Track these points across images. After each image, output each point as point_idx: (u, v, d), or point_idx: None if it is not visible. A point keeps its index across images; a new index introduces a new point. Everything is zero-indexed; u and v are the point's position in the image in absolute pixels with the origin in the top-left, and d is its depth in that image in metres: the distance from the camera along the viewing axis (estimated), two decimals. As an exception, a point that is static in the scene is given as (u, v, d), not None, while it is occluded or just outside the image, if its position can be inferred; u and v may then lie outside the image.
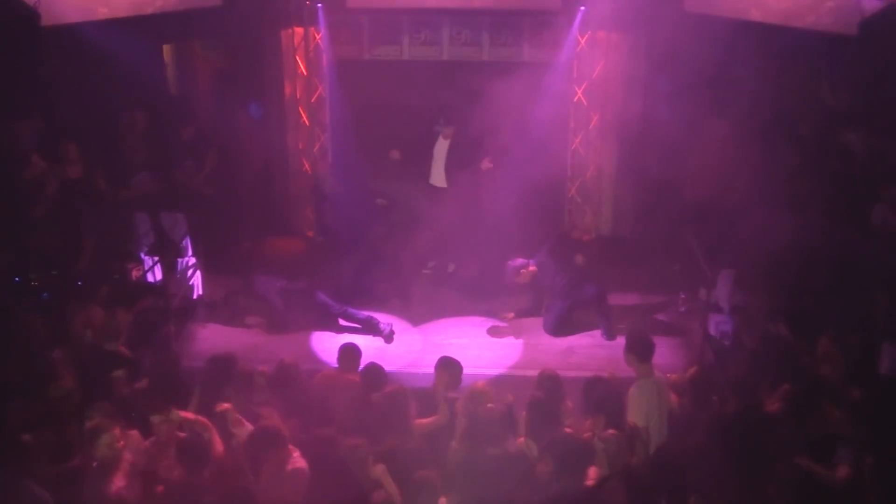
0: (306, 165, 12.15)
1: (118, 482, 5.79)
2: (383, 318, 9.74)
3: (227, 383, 6.81)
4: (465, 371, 7.18)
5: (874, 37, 8.33)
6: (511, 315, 9.97)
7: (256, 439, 5.97)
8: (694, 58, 10.14)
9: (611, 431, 5.93)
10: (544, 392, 6.67)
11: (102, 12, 9.53)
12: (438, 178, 10.80)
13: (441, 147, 10.69)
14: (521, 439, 6.27)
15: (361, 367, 7.29)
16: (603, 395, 6.54)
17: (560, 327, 9.68)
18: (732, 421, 6.23)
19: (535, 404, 6.43)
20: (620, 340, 9.40)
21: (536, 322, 9.95)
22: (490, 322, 10.01)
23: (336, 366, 7.57)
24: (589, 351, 9.43)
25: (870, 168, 9.77)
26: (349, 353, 7.38)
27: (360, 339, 7.98)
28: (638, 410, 6.45)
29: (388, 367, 7.29)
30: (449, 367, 7.03)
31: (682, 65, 10.66)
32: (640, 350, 6.65)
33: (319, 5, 11.25)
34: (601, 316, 9.70)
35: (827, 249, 8.79)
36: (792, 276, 8.74)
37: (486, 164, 10.58)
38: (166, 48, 12.32)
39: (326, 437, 6.24)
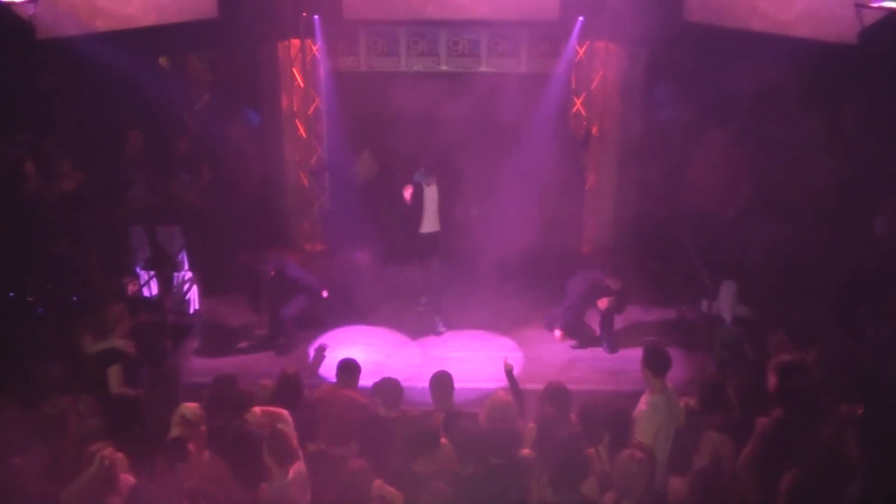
0: (303, 178, 12.18)
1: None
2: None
3: (229, 403, 6.81)
4: (465, 385, 7.17)
5: (874, 46, 8.38)
6: (559, 333, 10.02)
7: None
8: (693, 67, 10.20)
9: (629, 451, 5.90)
10: (555, 407, 6.65)
11: (98, 25, 9.56)
12: (430, 224, 10.26)
13: (429, 194, 10.15)
14: (527, 451, 6.28)
15: (371, 382, 7.29)
16: (607, 414, 6.51)
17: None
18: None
19: (546, 420, 6.41)
20: (622, 353, 9.50)
21: (537, 335, 10.00)
22: (489, 335, 10.05)
23: (334, 381, 7.57)
24: (590, 364, 9.45)
25: (872, 178, 9.80)
26: (348, 369, 7.36)
27: (359, 354, 7.98)
28: (647, 429, 6.41)
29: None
30: (440, 383, 7.04)
31: (682, 74, 10.72)
32: (656, 365, 6.63)
33: (316, 17, 11.30)
34: (604, 329, 9.73)
35: (829, 260, 8.82)
36: (794, 286, 8.76)
37: (475, 211, 10.44)
38: (162, 61, 12.37)
39: (329, 456, 6.27)
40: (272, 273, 9.72)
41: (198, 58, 12.88)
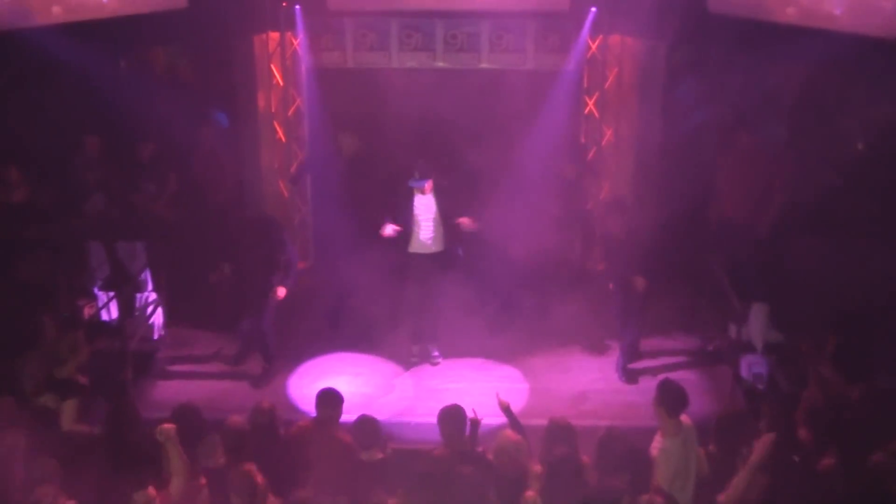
0: (283, 187, 12.15)
1: None
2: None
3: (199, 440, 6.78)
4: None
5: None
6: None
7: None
8: (720, 64, 10.19)
9: (648, 497, 5.87)
10: (566, 446, 6.60)
11: (51, 16, 9.54)
12: (424, 243, 9.68)
13: (423, 204, 9.60)
14: (531, 493, 6.23)
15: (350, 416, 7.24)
16: (626, 452, 6.47)
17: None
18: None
19: (559, 462, 6.36)
20: (641, 384, 9.46)
21: (545, 364, 9.94)
22: (490, 364, 9.99)
23: (314, 415, 7.52)
24: (604, 397, 9.40)
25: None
26: (329, 401, 7.28)
27: (344, 386, 7.94)
28: (663, 474, 6.42)
29: (376, 416, 7.26)
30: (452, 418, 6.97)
31: (707, 72, 10.71)
32: (669, 404, 6.59)
33: (297, 7, 11.29)
34: (623, 353, 9.71)
35: (873, 278, 8.79)
36: (835, 309, 8.73)
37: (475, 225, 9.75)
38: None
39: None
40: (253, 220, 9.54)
41: (164, 53, 12.88)
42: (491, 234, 10.29)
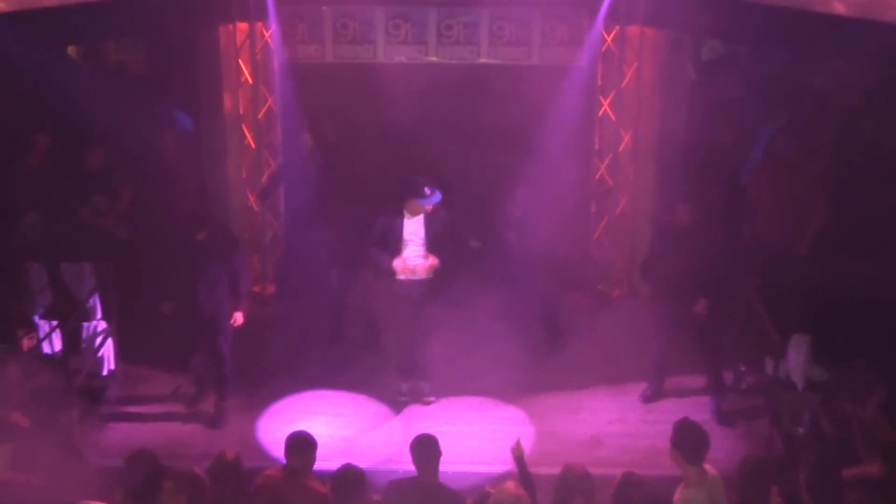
0: (252, 200, 12.15)
1: None
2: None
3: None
4: (460, 468, 7.14)
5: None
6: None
7: None
8: (752, 60, 10.22)
9: None
10: (583, 499, 6.59)
11: (-5, 8, 9.57)
12: (413, 266, 9.66)
13: (412, 224, 9.60)
14: None
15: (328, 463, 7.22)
16: (644, 501, 6.46)
17: None
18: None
19: None
20: (662, 427, 9.42)
21: (553, 403, 9.97)
22: (491, 403, 10.00)
23: (284, 462, 7.50)
24: (620, 441, 9.41)
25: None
26: (300, 446, 7.26)
27: (322, 429, 7.92)
28: None
29: (358, 464, 7.25)
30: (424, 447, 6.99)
31: (738, 68, 10.73)
32: (687, 448, 6.58)
33: (269, -6, 11.36)
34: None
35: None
36: (887, 342, 8.74)
37: (473, 244, 10.19)
38: (72, 50, 12.38)
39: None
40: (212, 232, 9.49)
41: (118, 46, 12.91)
42: (487, 253, 10.35)
